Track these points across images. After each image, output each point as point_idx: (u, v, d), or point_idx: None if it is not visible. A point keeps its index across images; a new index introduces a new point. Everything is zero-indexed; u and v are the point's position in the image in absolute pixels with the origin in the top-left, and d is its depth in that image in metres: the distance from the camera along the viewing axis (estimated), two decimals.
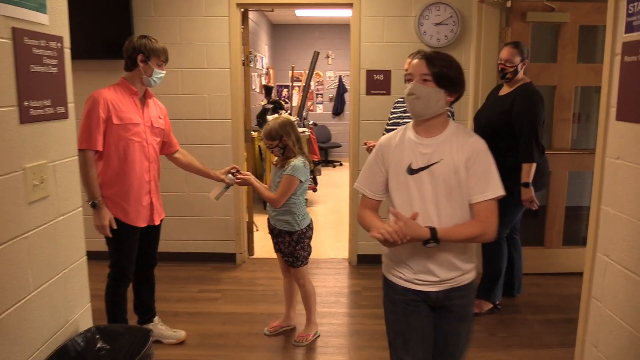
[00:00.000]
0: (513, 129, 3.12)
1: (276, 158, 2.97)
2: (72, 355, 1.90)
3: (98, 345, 2.00)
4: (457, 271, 1.81)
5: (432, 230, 1.67)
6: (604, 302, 2.15)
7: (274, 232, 3.03)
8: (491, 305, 3.42)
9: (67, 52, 1.94)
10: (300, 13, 8.58)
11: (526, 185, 3.14)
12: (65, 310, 1.95)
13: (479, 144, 1.76)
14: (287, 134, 2.85)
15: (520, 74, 3.21)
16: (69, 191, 1.96)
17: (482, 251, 3.50)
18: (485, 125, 3.26)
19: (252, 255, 4.71)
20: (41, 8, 1.76)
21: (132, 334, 2.04)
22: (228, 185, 2.99)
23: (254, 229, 5.23)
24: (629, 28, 1.96)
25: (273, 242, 3.09)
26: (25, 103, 1.67)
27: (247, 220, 4.60)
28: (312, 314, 3.12)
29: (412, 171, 1.77)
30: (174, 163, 3.11)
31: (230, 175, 2.98)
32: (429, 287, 1.82)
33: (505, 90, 3.29)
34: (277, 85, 10.33)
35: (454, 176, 1.72)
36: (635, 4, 1.91)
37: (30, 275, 1.71)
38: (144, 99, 2.76)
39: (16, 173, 1.63)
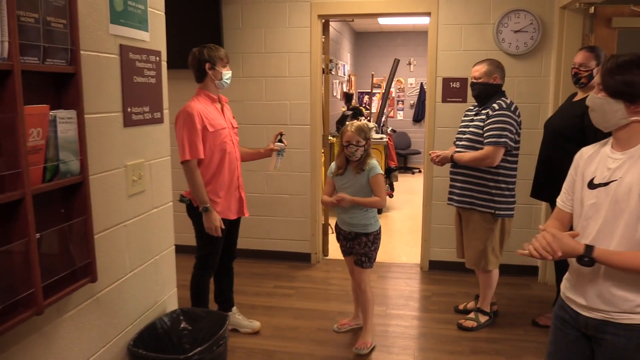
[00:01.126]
0: (585, 135, 2.98)
1: (334, 167, 2.99)
2: (159, 331, 2.14)
3: (182, 325, 2.24)
4: (612, 306, 1.57)
5: (588, 247, 1.53)
6: None
7: (348, 236, 3.04)
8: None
9: (164, 65, 2.20)
10: (383, 21, 8.68)
11: None
12: (155, 292, 2.20)
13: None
14: (370, 138, 2.91)
15: (597, 79, 3.07)
16: (162, 187, 2.22)
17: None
18: (554, 131, 3.15)
19: (327, 256, 4.88)
20: (143, 26, 2.02)
21: (211, 318, 2.26)
22: (280, 152, 3.20)
23: (330, 230, 5.40)
24: None
25: (345, 246, 3.10)
26: (129, 109, 1.94)
27: (322, 222, 4.77)
28: (370, 320, 3.14)
29: (592, 186, 1.63)
30: None
31: (278, 143, 3.19)
32: (578, 308, 1.67)
33: (579, 96, 3.14)
34: (359, 92, 10.48)
35: (626, 197, 1.52)
36: None
37: (127, 259, 1.97)
38: (220, 103, 3.01)
39: (119, 170, 1.90)
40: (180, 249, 2.65)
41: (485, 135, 3.09)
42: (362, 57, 10.61)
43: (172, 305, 2.35)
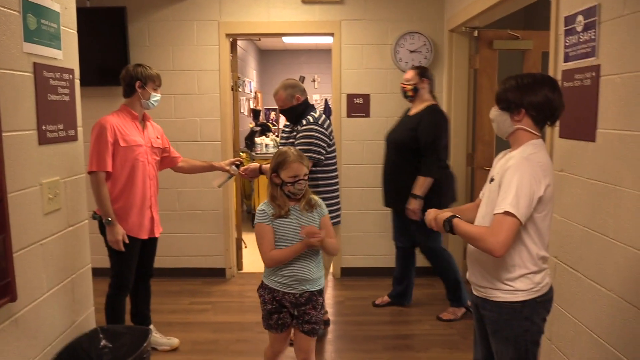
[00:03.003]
0: (419, 146, 3.43)
1: (272, 209, 2.30)
2: (79, 352, 2.12)
3: (102, 344, 2.24)
4: (487, 284, 1.89)
5: (452, 216, 1.88)
6: (555, 299, 2.42)
7: (298, 301, 2.34)
8: (464, 309, 3.68)
9: (77, 82, 2.21)
10: (287, 40, 8.93)
11: (414, 196, 3.41)
12: (73, 311, 2.18)
13: (512, 162, 1.81)
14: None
15: (425, 95, 3.56)
16: (77, 204, 2.21)
17: (432, 267, 3.80)
18: (394, 141, 3.61)
19: (241, 270, 4.93)
20: (56, 44, 2.03)
21: (132, 333, 2.28)
22: (231, 176, 3.32)
23: (243, 245, 5.46)
24: (567, 58, 2.28)
25: (285, 317, 2.39)
26: (43, 127, 1.93)
27: (235, 237, 4.83)
28: None
29: (491, 181, 1.93)
30: (181, 172, 3.42)
31: (234, 167, 3.29)
32: (473, 288, 1.99)
33: (413, 110, 3.63)
34: (265, 108, 10.64)
35: (496, 190, 1.83)
36: (571, 37, 2.23)
37: (45, 278, 1.95)
38: (143, 121, 3.02)
39: (35, 188, 1.89)
40: (96, 272, 2.60)
41: None
42: (268, 74, 10.80)
43: (91, 324, 2.32)
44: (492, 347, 1.95)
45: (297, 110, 3.27)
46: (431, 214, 1.99)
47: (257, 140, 6.98)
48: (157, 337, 3.28)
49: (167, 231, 4.45)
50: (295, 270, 2.31)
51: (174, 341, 3.31)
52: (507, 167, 1.82)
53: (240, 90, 7.63)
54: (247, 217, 6.77)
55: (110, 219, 2.80)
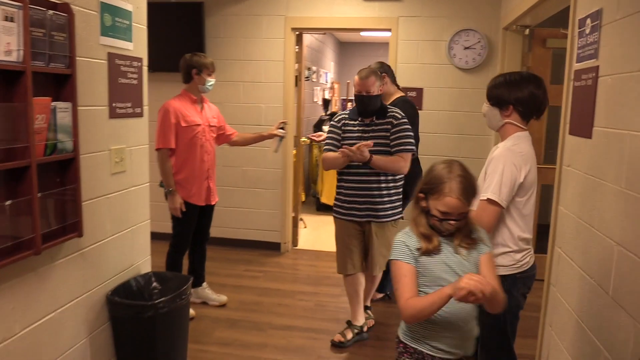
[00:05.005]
0: None
1: (416, 243, 1.71)
2: (133, 289, 2.60)
3: (153, 285, 2.70)
4: None
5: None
6: (557, 287, 2.56)
7: None
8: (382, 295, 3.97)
9: (145, 69, 2.67)
10: (365, 33, 9.19)
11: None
12: (132, 256, 2.66)
13: (496, 152, 2.03)
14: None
15: (390, 89, 3.60)
16: (140, 169, 2.69)
17: None
18: None
19: (296, 246, 5.34)
20: (128, 37, 2.50)
21: (178, 279, 2.73)
22: (282, 138, 3.72)
23: (302, 225, 5.87)
24: (578, 59, 2.40)
25: None
26: (113, 104, 2.41)
27: (292, 215, 5.24)
28: None
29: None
30: (236, 145, 3.88)
31: (280, 130, 3.69)
32: None
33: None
34: (342, 99, 10.99)
35: (483, 178, 2.04)
36: (581, 39, 2.35)
37: (108, 225, 2.43)
38: (201, 103, 3.48)
39: (104, 152, 2.36)
40: (156, 236, 3.10)
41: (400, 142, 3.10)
42: (346, 65, 11.12)
43: (146, 269, 2.81)
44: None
45: (379, 101, 3.13)
46: None
47: (324, 128, 7.33)
48: (208, 293, 3.77)
49: (230, 205, 4.99)
50: (453, 331, 1.70)
51: (223, 298, 3.78)
52: (492, 157, 2.03)
53: (314, 80, 8.04)
54: (312, 201, 7.19)
55: (171, 189, 3.30)
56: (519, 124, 2.05)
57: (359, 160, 3.00)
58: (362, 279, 3.29)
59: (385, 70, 3.60)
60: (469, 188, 1.64)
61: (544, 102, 2.02)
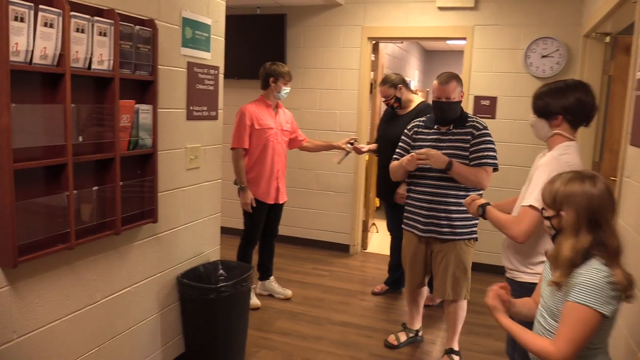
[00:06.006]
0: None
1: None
2: (201, 273, 2.88)
3: (219, 272, 2.98)
4: (514, 266, 2.16)
5: (486, 203, 2.22)
6: None
7: None
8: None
9: (221, 76, 2.96)
10: (451, 41, 9.12)
11: (404, 181, 3.26)
12: (202, 244, 2.95)
13: (542, 160, 2.07)
14: (573, 207, 1.55)
15: (409, 96, 3.73)
16: (213, 167, 2.98)
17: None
18: (393, 139, 3.45)
19: (366, 249, 5.47)
20: (206, 48, 2.80)
21: (242, 268, 2.98)
22: (347, 153, 3.90)
23: (374, 230, 5.99)
24: None
25: None
26: (191, 107, 2.71)
27: (363, 218, 5.38)
28: None
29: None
30: (306, 150, 4.12)
31: (349, 145, 3.86)
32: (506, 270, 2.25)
33: (405, 110, 3.81)
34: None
35: (528, 185, 2.09)
36: None
37: (182, 214, 2.73)
38: (276, 109, 3.74)
39: (181, 149, 2.67)
40: (229, 231, 3.39)
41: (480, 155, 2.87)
42: (431, 73, 11.07)
43: (215, 257, 3.09)
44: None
45: (459, 108, 2.94)
46: (469, 198, 2.30)
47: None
48: (275, 286, 4.02)
49: (303, 206, 5.24)
50: None
51: (288, 292, 4.01)
52: (539, 164, 2.06)
53: None
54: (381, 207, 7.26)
55: (243, 185, 3.58)
56: (567, 134, 2.06)
57: (433, 164, 2.75)
58: (422, 292, 3.31)
59: (397, 83, 3.79)
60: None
61: (593, 108, 2.02)
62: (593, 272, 1.48)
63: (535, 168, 2.08)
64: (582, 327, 1.47)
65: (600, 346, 1.57)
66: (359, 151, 4.03)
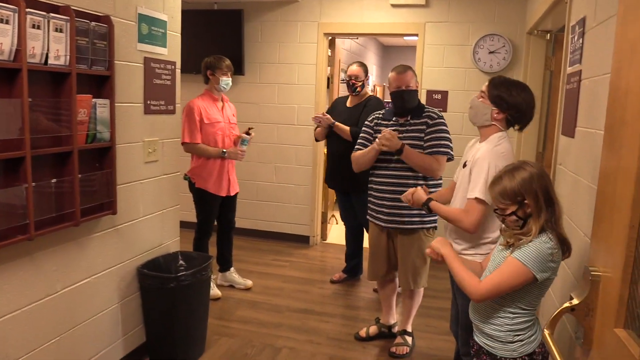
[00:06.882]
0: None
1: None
2: (162, 264, 2.95)
3: (179, 262, 3.05)
4: (461, 247, 2.27)
5: (428, 199, 2.38)
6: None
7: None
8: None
9: (178, 71, 3.02)
10: (408, 37, 9.35)
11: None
12: (161, 236, 3.02)
13: (480, 153, 2.16)
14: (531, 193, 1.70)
15: (366, 88, 4.03)
16: (171, 160, 3.04)
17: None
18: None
19: (325, 240, 5.61)
20: (163, 44, 2.85)
21: (201, 258, 3.06)
22: (244, 141, 3.79)
23: (334, 221, 6.14)
24: (570, 63, 2.55)
25: None
26: (148, 102, 2.76)
27: (322, 210, 5.51)
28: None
29: (464, 166, 2.29)
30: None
31: (245, 134, 3.81)
32: None
33: (353, 102, 4.04)
34: (386, 102, 11.16)
35: (467, 176, 2.21)
36: (572, 44, 2.50)
37: (141, 206, 2.79)
38: (221, 102, 3.81)
39: (139, 143, 2.72)
40: (185, 225, 3.45)
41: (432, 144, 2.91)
42: (388, 68, 11.30)
43: (174, 249, 3.16)
44: (457, 301, 2.37)
45: (417, 97, 3.03)
46: (407, 193, 2.48)
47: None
48: (235, 277, 4.10)
49: (263, 199, 5.33)
50: None
51: (248, 282, 4.10)
52: (477, 157, 2.22)
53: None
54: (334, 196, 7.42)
55: (222, 154, 3.67)
56: (501, 127, 2.23)
57: (390, 147, 2.82)
58: (392, 285, 3.27)
59: (367, 72, 4.05)
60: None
61: (531, 118, 2.22)
62: (542, 242, 1.67)
63: (474, 159, 2.23)
64: (510, 279, 1.68)
65: (529, 309, 1.76)
66: (323, 121, 3.93)
